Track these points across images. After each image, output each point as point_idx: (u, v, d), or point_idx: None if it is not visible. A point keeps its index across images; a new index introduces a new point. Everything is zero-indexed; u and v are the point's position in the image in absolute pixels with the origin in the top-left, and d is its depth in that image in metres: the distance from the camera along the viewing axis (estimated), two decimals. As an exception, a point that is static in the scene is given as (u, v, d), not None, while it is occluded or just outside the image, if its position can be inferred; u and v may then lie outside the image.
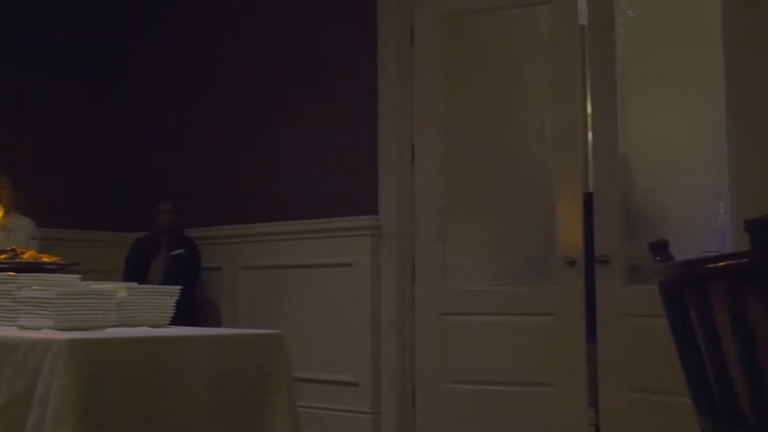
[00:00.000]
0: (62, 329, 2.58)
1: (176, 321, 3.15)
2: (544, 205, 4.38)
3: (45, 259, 3.43)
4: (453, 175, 4.62)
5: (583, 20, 4.36)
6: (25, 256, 3.43)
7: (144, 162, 5.82)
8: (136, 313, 2.94)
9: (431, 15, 4.72)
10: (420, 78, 4.71)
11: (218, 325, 5.16)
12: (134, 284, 3.20)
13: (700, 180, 3.90)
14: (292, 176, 5.07)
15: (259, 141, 5.26)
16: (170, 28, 5.85)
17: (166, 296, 3.07)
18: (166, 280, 4.85)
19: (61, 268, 3.60)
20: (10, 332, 2.60)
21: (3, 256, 3.26)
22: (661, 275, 1.34)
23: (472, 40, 4.64)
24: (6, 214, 4.45)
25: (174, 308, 3.08)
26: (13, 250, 3.37)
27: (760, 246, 1.03)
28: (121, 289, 2.97)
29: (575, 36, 4.34)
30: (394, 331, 4.59)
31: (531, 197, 4.48)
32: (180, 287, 3.12)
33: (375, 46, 4.75)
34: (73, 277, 2.98)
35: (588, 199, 4.27)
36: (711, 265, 1.19)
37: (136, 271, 5.02)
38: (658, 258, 1.38)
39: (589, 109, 4.37)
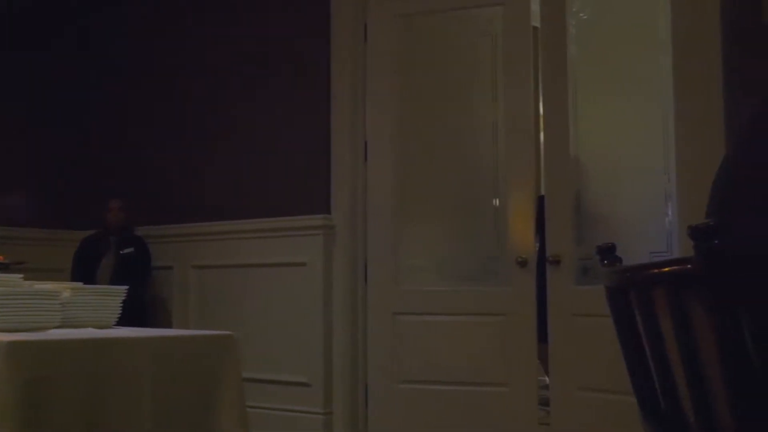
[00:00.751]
0: (3, 331, 2.52)
1: (126, 321, 3.10)
2: (497, 206, 4.41)
3: (-13, 259, 3.35)
4: (406, 174, 4.60)
5: (536, 22, 4.38)
6: (-34, 255, 3.34)
7: (93, 158, 5.71)
8: (81, 314, 2.88)
9: (386, 14, 4.70)
10: (374, 77, 4.69)
11: (169, 325, 5.09)
12: (79, 284, 3.14)
13: (649, 181, 3.95)
14: (243, 174, 5.02)
15: (210, 138, 5.20)
16: (120, 24, 5.74)
17: (113, 296, 3.02)
18: (115, 280, 4.77)
19: (4, 267, 3.52)
20: (-51, 334, 2.52)
21: (-57, 255, 3.18)
22: (608, 279, 1.35)
23: (425, 41, 4.63)
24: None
25: (120, 309, 3.04)
26: (-46, 249, 3.28)
27: (703, 252, 1.03)
28: (65, 289, 2.90)
29: (527, 37, 4.39)
30: (347, 331, 4.57)
31: (483, 198, 4.48)
32: (126, 287, 3.08)
33: (328, 44, 4.72)
34: (15, 277, 2.90)
35: (541, 201, 4.31)
36: (655, 271, 1.19)
37: (84, 270, 4.92)
38: (605, 262, 1.38)
39: (541, 111, 4.40)
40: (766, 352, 1.05)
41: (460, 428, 4.32)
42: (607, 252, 1.38)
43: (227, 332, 2.88)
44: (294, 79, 4.86)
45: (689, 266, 1.05)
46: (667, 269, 1.14)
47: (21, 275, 2.94)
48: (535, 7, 4.34)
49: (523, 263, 4.22)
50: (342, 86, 4.67)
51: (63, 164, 5.71)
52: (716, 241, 1.02)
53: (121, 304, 3.04)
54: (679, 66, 3.71)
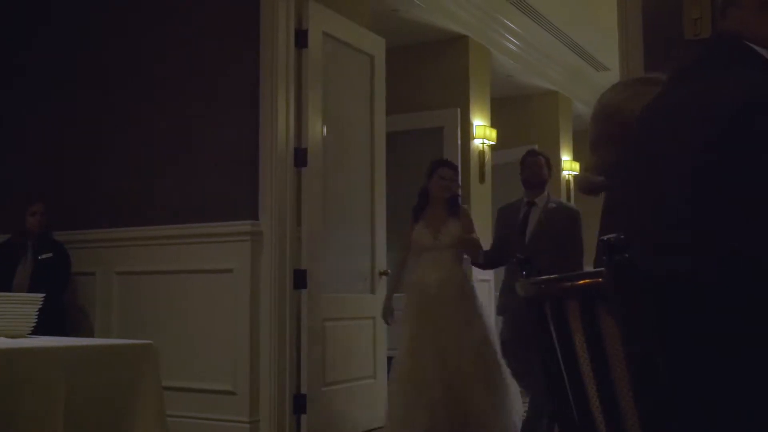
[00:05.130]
0: None
1: (44, 329, 3.00)
2: (371, 223, 5.18)
3: None
4: (331, 184, 4.88)
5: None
6: None
7: (8, 160, 5.52)
8: (-7, 322, 2.78)
9: (317, 29, 4.82)
10: (311, 83, 4.76)
11: (91, 333, 4.96)
12: (-8, 292, 3.03)
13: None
14: (169, 179, 4.93)
15: (136, 142, 5.09)
16: (42, 26, 5.58)
17: (28, 305, 2.91)
18: (33, 286, 4.63)
19: None
20: None
21: None
22: (523, 291, 1.35)
23: (338, 62, 5.08)
24: None
25: (36, 317, 2.93)
26: None
27: (611, 265, 1.04)
28: (-24, 297, 2.79)
29: (382, 83, 5.41)
30: (274, 339, 4.53)
31: (366, 215, 5.20)
32: (43, 295, 2.98)
33: (257, 49, 4.66)
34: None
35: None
36: (568, 284, 1.20)
37: (0, 277, 4.76)
38: (523, 273, 1.39)
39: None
40: (673, 366, 1.07)
41: (358, 416, 4.93)
42: (525, 263, 1.39)
43: (146, 341, 2.81)
44: (221, 84, 4.80)
45: (599, 279, 1.06)
46: (579, 282, 1.15)
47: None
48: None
49: (385, 273, 5.09)
50: (270, 91, 4.63)
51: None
52: (625, 255, 1.03)
53: (37, 313, 2.93)
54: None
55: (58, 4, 5.56)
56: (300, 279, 4.62)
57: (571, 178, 9.91)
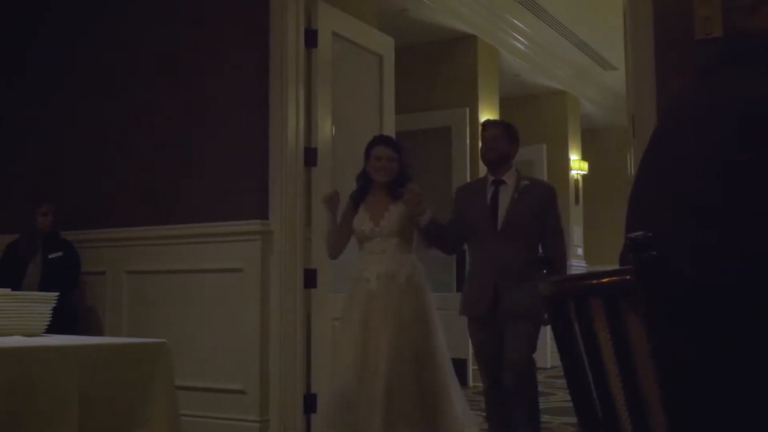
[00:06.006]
0: (-77, 339, 2.42)
1: (54, 329, 3.01)
2: None
3: None
4: (343, 183, 4.77)
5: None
6: None
7: (14, 161, 5.53)
8: (8, 321, 2.79)
9: (327, 29, 4.83)
10: (320, 82, 4.77)
11: (101, 332, 4.97)
12: (7, 290, 3.04)
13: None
14: (179, 178, 4.93)
15: (144, 140, 5.10)
16: (45, 26, 5.59)
17: (42, 303, 2.93)
18: (43, 285, 4.64)
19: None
20: None
21: None
22: (546, 289, 1.35)
23: (347, 60, 5.08)
24: None
25: (50, 316, 2.94)
26: None
27: (638, 262, 1.04)
28: (-9, 296, 2.81)
29: (391, 83, 5.43)
30: (284, 338, 4.53)
31: None
32: (57, 294, 2.98)
33: (267, 49, 4.66)
34: (-62, 283, 2.79)
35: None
36: (593, 281, 1.20)
37: (9, 276, 4.77)
38: (544, 271, 1.39)
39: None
40: (699, 364, 1.07)
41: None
42: (546, 262, 1.39)
43: (159, 340, 2.82)
44: (231, 83, 4.80)
45: (627, 276, 1.06)
46: (605, 280, 1.15)
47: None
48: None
49: None
50: (280, 91, 4.63)
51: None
52: (653, 252, 1.03)
53: (51, 312, 2.94)
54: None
55: (58, 4, 5.57)
56: (310, 278, 4.62)
57: (579, 177, 9.89)
